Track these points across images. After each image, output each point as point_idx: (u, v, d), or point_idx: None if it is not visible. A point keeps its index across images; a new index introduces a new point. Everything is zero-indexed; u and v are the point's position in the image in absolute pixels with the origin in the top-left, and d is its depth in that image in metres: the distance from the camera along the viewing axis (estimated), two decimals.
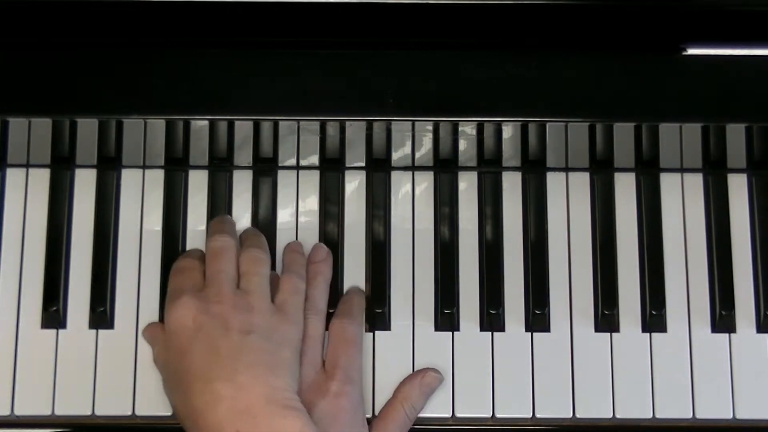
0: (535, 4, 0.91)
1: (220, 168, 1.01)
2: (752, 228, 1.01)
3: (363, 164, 1.01)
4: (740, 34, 0.92)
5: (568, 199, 1.01)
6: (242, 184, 1.01)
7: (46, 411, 0.96)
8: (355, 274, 1.00)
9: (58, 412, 0.96)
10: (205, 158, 1.00)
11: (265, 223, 1.00)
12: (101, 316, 0.98)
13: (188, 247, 1.00)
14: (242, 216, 1.01)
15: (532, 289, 0.99)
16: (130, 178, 1.01)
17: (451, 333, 0.98)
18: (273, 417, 0.86)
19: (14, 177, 1.01)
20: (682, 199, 1.01)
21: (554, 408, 0.97)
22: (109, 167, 1.01)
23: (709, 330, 0.98)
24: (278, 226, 1.01)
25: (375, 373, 0.97)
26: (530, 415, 0.97)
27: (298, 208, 1.01)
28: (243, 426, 0.85)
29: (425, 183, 1.01)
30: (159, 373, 0.95)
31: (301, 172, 1.02)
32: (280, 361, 0.90)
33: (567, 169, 1.01)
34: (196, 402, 0.87)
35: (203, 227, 1.00)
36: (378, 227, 1.00)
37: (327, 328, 0.97)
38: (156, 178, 1.01)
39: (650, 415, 0.97)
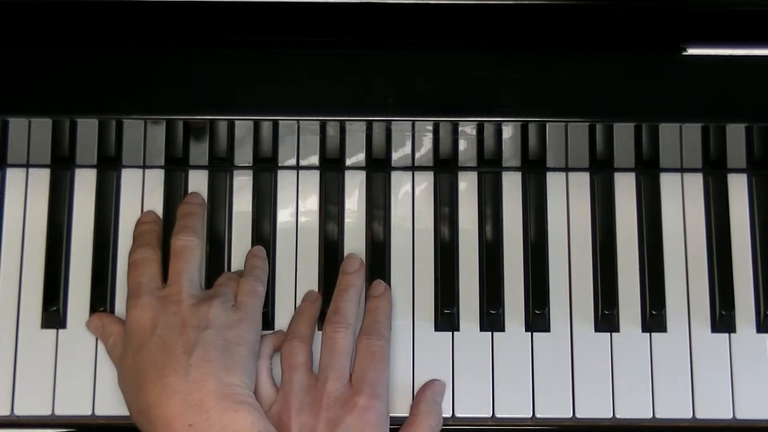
0: (535, 4, 0.92)
1: (220, 168, 1.01)
2: (752, 228, 1.01)
3: (363, 164, 1.01)
4: (740, 34, 0.92)
5: (568, 199, 1.01)
6: (242, 184, 1.01)
7: (46, 411, 0.96)
8: None
9: (58, 412, 0.96)
10: (205, 158, 1.00)
11: (265, 223, 1.00)
12: None
13: None
14: (242, 216, 1.01)
15: (532, 289, 0.99)
16: (130, 178, 1.01)
17: (451, 333, 0.98)
18: (225, 411, 0.87)
19: (14, 177, 1.01)
20: (682, 199, 1.01)
21: (554, 408, 0.97)
22: (109, 167, 1.00)
23: (709, 330, 0.98)
24: (278, 226, 1.00)
25: None
26: (530, 415, 0.97)
27: (298, 208, 1.01)
28: (195, 419, 0.86)
29: (425, 183, 1.01)
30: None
31: (301, 172, 1.01)
32: (236, 358, 0.90)
33: (567, 169, 1.01)
34: (149, 396, 0.88)
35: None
36: (378, 227, 1.00)
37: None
38: (156, 178, 1.01)
39: (650, 415, 0.97)
